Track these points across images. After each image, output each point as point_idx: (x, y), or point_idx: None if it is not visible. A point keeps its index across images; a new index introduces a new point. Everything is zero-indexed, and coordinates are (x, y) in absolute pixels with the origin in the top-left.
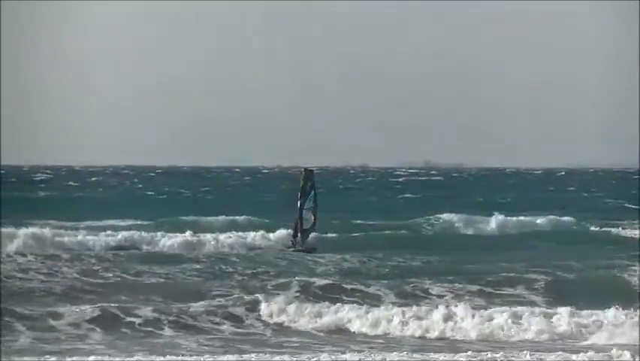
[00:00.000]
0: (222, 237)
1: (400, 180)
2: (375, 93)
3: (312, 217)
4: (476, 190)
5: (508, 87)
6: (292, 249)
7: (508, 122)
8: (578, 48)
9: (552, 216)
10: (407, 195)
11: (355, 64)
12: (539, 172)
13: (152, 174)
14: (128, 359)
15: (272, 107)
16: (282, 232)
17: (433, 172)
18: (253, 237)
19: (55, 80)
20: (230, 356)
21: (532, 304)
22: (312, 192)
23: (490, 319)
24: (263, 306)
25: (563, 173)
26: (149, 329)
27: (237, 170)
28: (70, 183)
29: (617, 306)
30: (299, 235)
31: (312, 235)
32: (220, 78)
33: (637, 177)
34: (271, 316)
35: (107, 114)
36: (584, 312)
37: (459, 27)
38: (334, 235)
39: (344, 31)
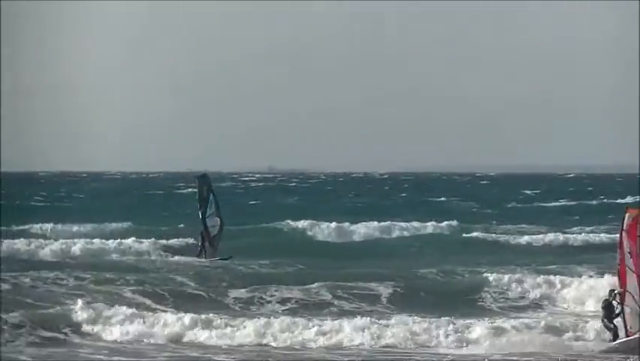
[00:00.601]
0: (77, 243)
1: (252, 185)
2: (218, 97)
3: (219, 221)
4: (324, 195)
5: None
6: (203, 258)
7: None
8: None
9: (415, 223)
10: (257, 201)
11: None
12: (386, 176)
13: None
14: None
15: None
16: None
17: (281, 177)
18: (118, 244)
19: None
20: None
21: (376, 300)
22: (211, 196)
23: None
24: (81, 313)
25: (411, 177)
26: None
27: (85, 175)
28: None
29: (450, 316)
30: (207, 244)
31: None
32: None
33: (484, 182)
34: (85, 323)
35: None
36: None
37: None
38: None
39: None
